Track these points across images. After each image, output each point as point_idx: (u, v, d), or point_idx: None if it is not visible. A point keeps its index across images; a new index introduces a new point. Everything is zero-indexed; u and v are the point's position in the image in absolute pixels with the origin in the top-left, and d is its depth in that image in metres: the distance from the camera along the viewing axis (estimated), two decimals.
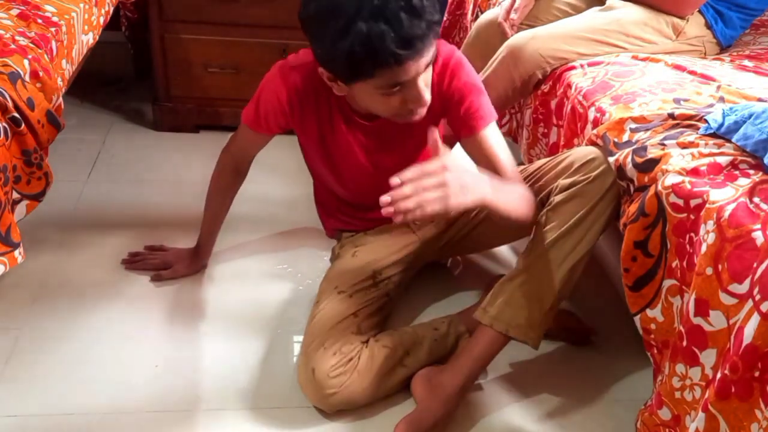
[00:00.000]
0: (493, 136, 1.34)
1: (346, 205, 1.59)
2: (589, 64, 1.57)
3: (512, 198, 1.22)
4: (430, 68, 1.21)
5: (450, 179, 1.04)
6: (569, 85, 1.53)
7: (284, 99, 1.36)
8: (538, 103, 1.66)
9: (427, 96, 1.22)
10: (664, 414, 1.10)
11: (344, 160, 1.46)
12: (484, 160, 1.33)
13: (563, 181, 1.30)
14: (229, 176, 1.58)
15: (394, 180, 1.03)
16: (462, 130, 1.35)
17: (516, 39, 1.65)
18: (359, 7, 1.07)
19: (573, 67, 1.58)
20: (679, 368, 1.05)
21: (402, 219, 1.02)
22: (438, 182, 1.04)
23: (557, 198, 1.30)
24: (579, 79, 1.52)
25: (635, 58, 1.59)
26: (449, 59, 1.32)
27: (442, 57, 1.32)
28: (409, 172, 1.04)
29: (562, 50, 1.61)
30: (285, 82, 1.35)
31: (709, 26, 1.67)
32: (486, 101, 1.35)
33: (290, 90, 1.36)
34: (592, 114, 1.40)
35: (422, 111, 1.25)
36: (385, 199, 1.02)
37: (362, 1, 1.07)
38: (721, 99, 1.34)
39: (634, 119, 1.30)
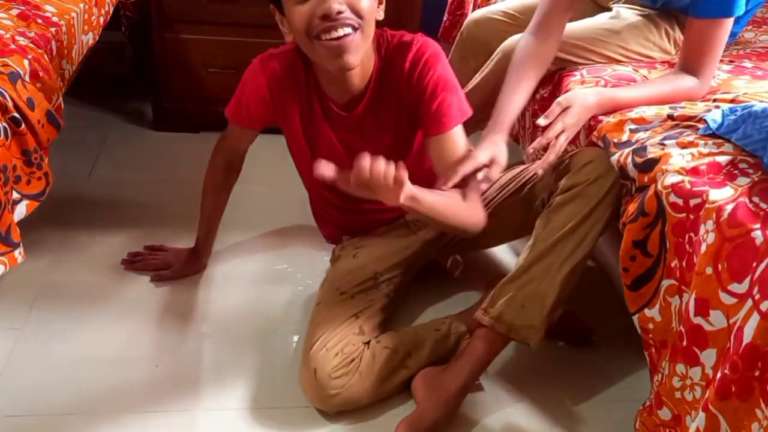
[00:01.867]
0: (459, 138, 1.33)
1: (339, 207, 1.56)
2: (588, 71, 1.56)
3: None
4: None
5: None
6: (569, 91, 1.52)
7: (263, 85, 1.38)
8: (537, 107, 1.65)
9: (337, 7, 1.17)
10: (665, 414, 1.10)
11: (327, 157, 1.43)
12: (444, 162, 1.32)
13: (564, 182, 1.30)
14: (222, 173, 1.58)
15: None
16: (430, 127, 1.33)
17: (512, 42, 1.64)
18: None
19: (572, 74, 1.56)
20: (680, 368, 1.05)
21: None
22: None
23: (558, 199, 1.30)
24: (579, 85, 1.51)
25: (635, 70, 1.57)
26: (425, 50, 1.32)
27: (416, 46, 1.32)
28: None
29: (557, 56, 1.59)
30: (264, 69, 1.38)
31: None
32: (458, 100, 1.34)
33: (269, 76, 1.37)
34: None
35: (348, 58, 1.21)
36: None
37: None
38: (717, 107, 1.34)
39: (634, 120, 1.31)
